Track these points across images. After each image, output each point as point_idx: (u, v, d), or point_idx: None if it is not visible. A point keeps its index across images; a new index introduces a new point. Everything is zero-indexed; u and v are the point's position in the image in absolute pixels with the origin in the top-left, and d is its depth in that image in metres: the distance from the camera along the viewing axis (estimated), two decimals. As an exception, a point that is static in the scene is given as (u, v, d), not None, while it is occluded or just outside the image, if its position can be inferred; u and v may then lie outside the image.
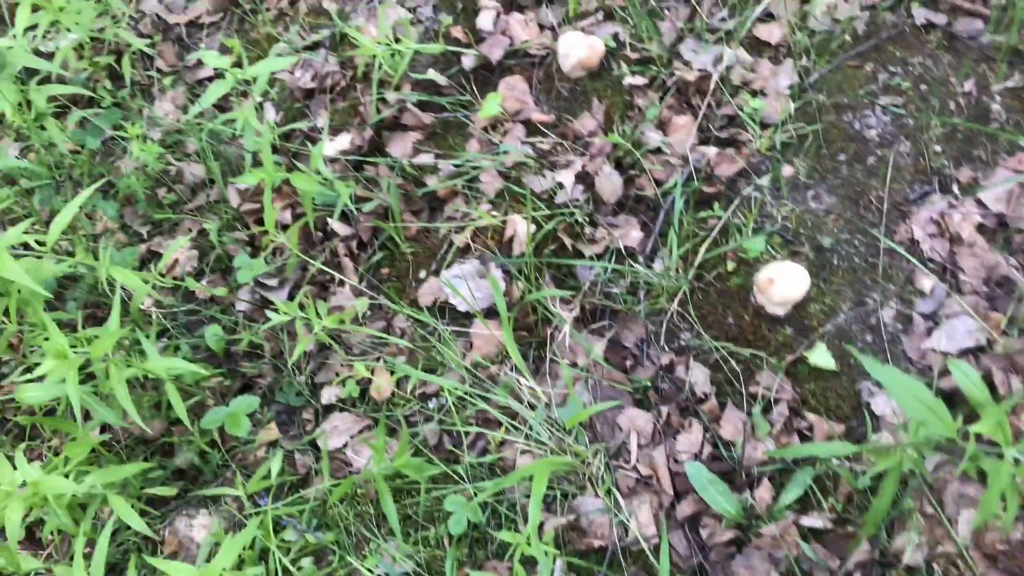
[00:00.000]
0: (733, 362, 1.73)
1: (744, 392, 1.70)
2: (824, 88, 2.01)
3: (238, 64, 1.88)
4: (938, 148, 1.90)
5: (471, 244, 1.93)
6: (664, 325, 1.80)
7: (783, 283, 1.70)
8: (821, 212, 1.88)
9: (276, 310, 1.82)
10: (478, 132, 2.08)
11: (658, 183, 1.93)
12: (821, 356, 1.72)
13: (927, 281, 1.77)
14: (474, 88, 2.16)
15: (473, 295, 1.86)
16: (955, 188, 1.87)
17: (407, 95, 2.12)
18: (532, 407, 1.71)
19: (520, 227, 1.91)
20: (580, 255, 1.88)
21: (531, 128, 2.07)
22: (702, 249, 1.81)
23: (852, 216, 1.86)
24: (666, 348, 1.78)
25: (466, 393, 1.71)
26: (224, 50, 2.17)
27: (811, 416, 1.66)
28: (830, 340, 1.74)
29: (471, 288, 1.87)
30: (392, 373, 1.80)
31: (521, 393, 1.72)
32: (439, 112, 2.13)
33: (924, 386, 1.31)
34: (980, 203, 1.84)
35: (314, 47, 2.30)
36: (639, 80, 2.05)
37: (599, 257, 1.88)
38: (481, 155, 2.01)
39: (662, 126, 2.00)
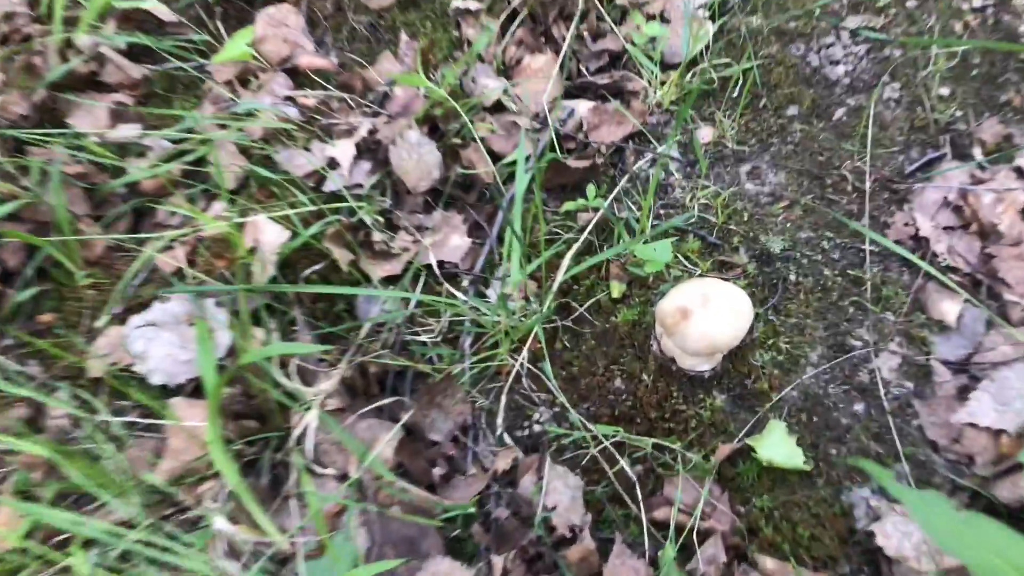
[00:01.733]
0: (625, 462, 0.96)
1: (644, 519, 0.92)
2: (761, 5, 1.27)
3: None
4: (945, 91, 1.18)
5: (185, 267, 1.12)
6: (503, 398, 1.01)
7: (705, 317, 0.93)
8: (764, 197, 1.13)
9: None
10: (222, 89, 1.28)
11: (496, 158, 1.16)
12: (778, 445, 0.95)
13: (950, 305, 1.03)
14: (219, 26, 1.37)
15: (175, 357, 1.05)
16: (978, 152, 1.14)
17: (109, 37, 1.32)
18: (263, 561, 0.90)
19: (267, 235, 1.11)
20: (366, 279, 1.09)
21: (302, 79, 1.28)
22: (565, 261, 1.03)
23: (815, 202, 1.12)
24: (507, 439, 1.00)
25: (142, 541, 0.89)
26: None
27: (767, 562, 0.88)
28: (792, 415, 0.98)
29: (173, 345, 1.06)
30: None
31: (238, 540, 0.91)
32: (161, 62, 1.33)
33: (999, 527, 0.58)
34: (1022, 173, 1.11)
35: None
36: (472, 3, 1.29)
37: (395, 281, 1.09)
38: (213, 118, 1.21)
39: (506, 71, 1.24)
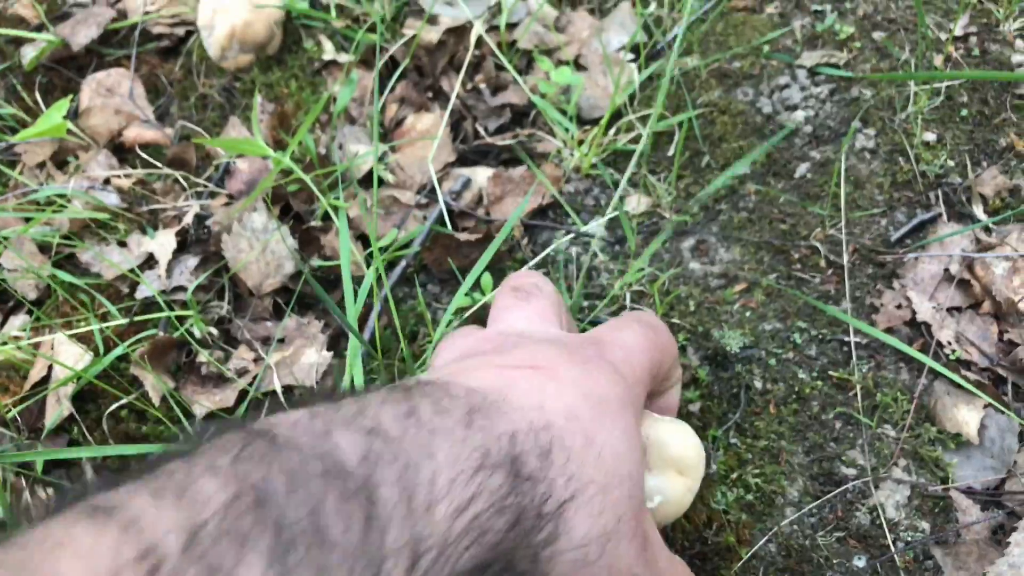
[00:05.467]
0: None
1: None
2: (699, 45, 1.04)
3: None
4: (930, 136, 0.94)
5: (-42, 409, 0.83)
6: None
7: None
8: (714, 279, 0.87)
9: None
10: (32, 172, 1.02)
11: (366, 243, 0.89)
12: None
13: (967, 412, 0.77)
14: (38, 99, 1.11)
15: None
16: (979, 210, 0.90)
17: None
18: None
19: (63, 359, 0.83)
20: (186, 414, 0.80)
21: (130, 157, 1.02)
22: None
23: (779, 282, 0.86)
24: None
25: None
26: None
27: None
28: (771, 583, 0.70)
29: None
30: None
31: None
32: (-40, 145, 1.07)
33: None
34: (1038, 234, 0.87)
35: None
36: (344, 56, 1.05)
37: (229, 414, 0.81)
38: (10, 209, 0.94)
39: (387, 135, 0.99)
